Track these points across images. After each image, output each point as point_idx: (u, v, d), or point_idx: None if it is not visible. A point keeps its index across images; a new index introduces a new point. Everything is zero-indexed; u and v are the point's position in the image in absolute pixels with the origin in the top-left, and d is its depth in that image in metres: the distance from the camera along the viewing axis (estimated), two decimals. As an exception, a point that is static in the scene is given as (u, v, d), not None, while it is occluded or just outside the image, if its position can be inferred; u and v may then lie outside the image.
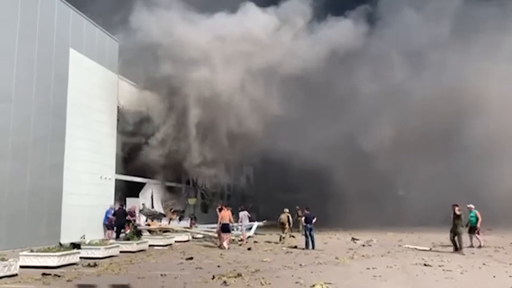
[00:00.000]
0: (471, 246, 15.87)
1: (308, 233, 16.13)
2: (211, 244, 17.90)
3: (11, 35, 14.74)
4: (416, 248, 15.66)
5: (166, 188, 26.33)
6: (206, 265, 11.35)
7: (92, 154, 18.83)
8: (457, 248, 14.39)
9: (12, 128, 14.53)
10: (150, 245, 16.21)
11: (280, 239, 18.84)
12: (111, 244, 14.04)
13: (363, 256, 13.42)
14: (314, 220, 16.91)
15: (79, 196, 17.68)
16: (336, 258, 12.79)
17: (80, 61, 18.39)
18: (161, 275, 9.74)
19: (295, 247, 16.36)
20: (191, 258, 12.68)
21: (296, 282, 8.66)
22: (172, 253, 14.51)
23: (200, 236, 20.39)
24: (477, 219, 16.17)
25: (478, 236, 16.29)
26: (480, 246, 15.91)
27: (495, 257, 13.35)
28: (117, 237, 16.69)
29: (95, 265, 11.36)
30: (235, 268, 10.70)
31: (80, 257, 12.40)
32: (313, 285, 8.22)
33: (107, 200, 19.80)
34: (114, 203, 22.06)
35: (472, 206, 16.46)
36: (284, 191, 49.80)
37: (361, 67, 34.04)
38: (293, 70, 27.77)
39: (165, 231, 19.46)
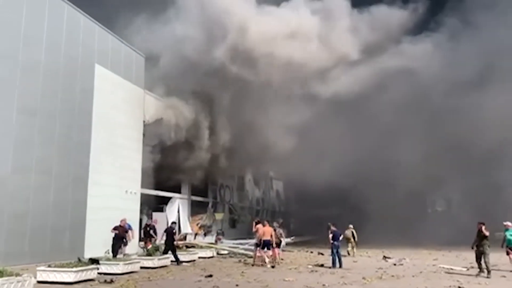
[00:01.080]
0: None
1: (335, 250, 15.38)
2: (236, 260, 17.35)
3: (37, 50, 15.04)
4: (451, 269, 14.53)
5: (193, 202, 26.12)
6: (224, 284, 10.84)
7: (117, 168, 18.84)
8: (482, 270, 12.91)
9: (36, 141, 14.71)
10: (172, 261, 15.88)
11: (348, 253, 19.36)
12: (131, 259, 13.77)
13: (392, 276, 12.50)
14: (341, 238, 16.13)
15: (104, 210, 17.62)
16: (363, 278, 11.98)
17: (106, 76, 18.56)
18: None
19: (322, 265, 15.57)
20: (211, 276, 12.19)
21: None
22: (193, 270, 14.07)
23: (225, 252, 19.88)
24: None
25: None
26: None
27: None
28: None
29: (111, 281, 11.07)
30: (254, 287, 10.14)
31: (99, 273, 12.20)
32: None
33: (133, 214, 19.71)
34: (149, 218, 22.16)
35: (509, 223, 14.44)
36: (315, 207, 48.88)
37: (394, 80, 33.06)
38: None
39: (190, 247, 19.11)
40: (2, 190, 13.36)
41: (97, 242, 16.58)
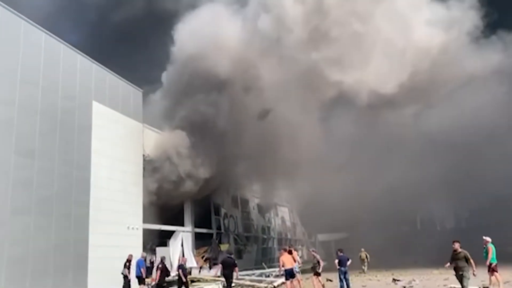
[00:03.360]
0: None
1: (342, 276, 15.06)
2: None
3: (34, 90, 15.17)
4: None
5: (197, 235, 25.77)
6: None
7: (117, 204, 18.70)
8: None
9: (36, 181, 14.66)
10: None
11: (363, 271, 23.16)
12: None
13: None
14: (349, 263, 15.82)
15: (106, 247, 17.38)
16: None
17: (104, 113, 18.70)
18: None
19: (330, 292, 15.17)
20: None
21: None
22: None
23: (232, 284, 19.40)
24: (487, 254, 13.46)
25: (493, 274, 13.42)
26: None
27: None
28: None
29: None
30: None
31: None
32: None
33: (136, 250, 19.39)
34: (153, 254, 21.74)
35: (488, 238, 13.70)
36: (323, 231, 48.28)
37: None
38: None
39: (195, 281, 18.73)
40: (1, 232, 13.21)
41: (101, 280, 16.34)
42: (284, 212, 42.86)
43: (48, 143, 15.42)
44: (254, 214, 35.26)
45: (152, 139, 23.03)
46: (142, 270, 16.25)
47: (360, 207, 38.62)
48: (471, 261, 10.65)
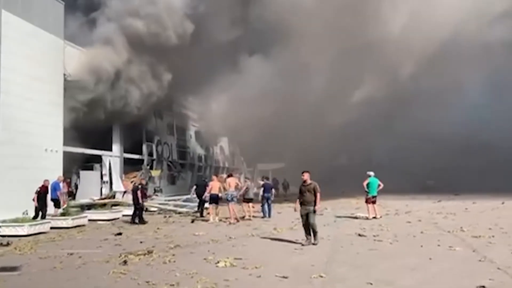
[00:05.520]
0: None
1: (265, 201, 16.04)
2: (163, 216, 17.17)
3: None
4: (356, 216, 15.05)
5: (127, 161, 25.36)
6: (130, 242, 10.56)
7: (34, 125, 17.62)
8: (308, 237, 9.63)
9: None
10: (93, 220, 15.48)
11: None
12: (38, 220, 13.18)
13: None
14: (273, 190, 16.74)
15: (21, 170, 16.63)
16: (275, 229, 12.14)
17: (16, 24, 16.91)
18: (69, 254, 8.94)
19: (254, 217, 15.63)
20: (120, 234, 11.90)
21: (204, 259, 7.90)
22: (109, 229, 13.69)
23: (154, 209, 19.61)
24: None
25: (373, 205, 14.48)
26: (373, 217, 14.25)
27: (440, 224, 12.74)
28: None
29: (7, 244, 10.47)
30: (156, 244, 9.94)
31: (2, 235, 11.63)
32: (218, 262, 7.49)
33: (55, 173, 18.80)
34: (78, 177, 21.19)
35: (370, 173, 14.57)
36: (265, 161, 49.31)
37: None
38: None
39: (116, 205, 18.65)
40: None
41: (16, 203, 15.73)
42: (223, 141, 43.06)
43: None
44: (191, 142, 35.11)
45: (76, 57, 21.47)
46: (58, 193, 15.91)
47: (300, 140, 39.63)
48: (318, 195, 9.42)
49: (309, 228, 9.49)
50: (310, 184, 9.55)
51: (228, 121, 37.57)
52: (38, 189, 14.48)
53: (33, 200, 14.24)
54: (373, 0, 29.82)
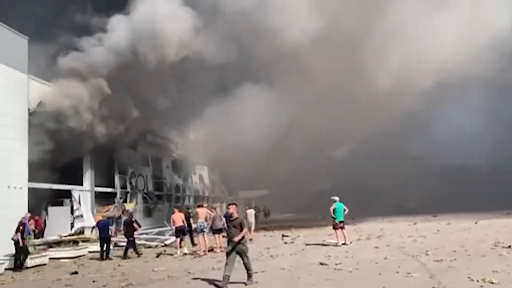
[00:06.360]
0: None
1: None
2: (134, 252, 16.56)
3: None
4: (325, 244, 14.71)
5: (99, 194, 24.72)
6: (82, 282, 10.10)
7: (-3, 162, 17.16)
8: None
9: None
10: (54, 258, 14.85)
11: None
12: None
13: (271, 256, 12.36)
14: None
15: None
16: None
17: (-23, 61, 16.69)
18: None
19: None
20: (76, 273, 11.38)
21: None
22: (68, 267, 13.08)
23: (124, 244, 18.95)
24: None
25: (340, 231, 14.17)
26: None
27: (406, 248, 12.48)
28: None
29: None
30: (109, 283, 9.47)
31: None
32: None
33: (20, 211, 18.12)
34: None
35: (335, 198, 14.30)
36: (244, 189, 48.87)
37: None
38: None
39: (85, 241, 18.03)
40: None
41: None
42: (202, 170, 42.64)
43: None
44: (167, 172, 34.60)
45: (40, 92, 21.14)
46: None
47: (281, 167, 39.43)
48: (244, 230, 8.47)
49: (233, 266, 8.30)
50: (237, 218, 8.51)
51: (208, 150, 37.35)
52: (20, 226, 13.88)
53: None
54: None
